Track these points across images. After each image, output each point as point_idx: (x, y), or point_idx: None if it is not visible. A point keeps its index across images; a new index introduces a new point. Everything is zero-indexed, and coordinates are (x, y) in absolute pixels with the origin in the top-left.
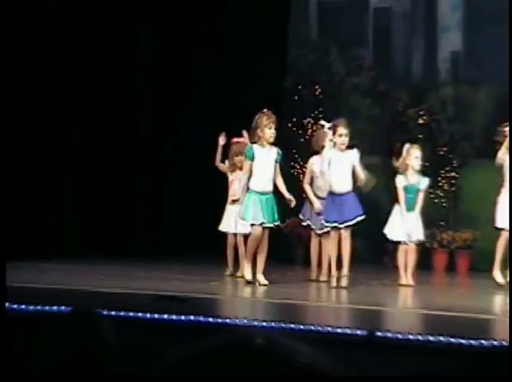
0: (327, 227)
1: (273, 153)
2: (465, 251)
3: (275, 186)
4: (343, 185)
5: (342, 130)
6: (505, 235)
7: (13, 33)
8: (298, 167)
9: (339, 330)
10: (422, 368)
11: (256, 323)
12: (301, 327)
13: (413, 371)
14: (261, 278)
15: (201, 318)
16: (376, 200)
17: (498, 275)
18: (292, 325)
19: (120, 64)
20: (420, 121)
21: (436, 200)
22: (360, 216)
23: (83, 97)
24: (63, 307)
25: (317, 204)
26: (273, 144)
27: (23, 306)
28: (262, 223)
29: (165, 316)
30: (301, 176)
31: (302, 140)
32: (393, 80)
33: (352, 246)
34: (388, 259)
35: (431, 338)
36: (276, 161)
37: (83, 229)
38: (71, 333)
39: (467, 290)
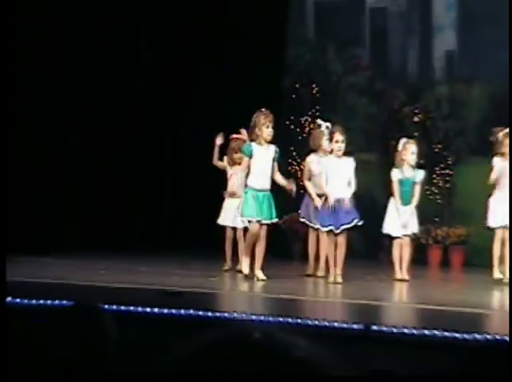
0: (322, 232)
1: (271, 151)
2: (459, 247)
3: (273, 184)
4: (339, 190)
5: (338, 136)
6: (498, 234)
7: (13, 33)
8: (296, 164)
9: (335, 324)
10: (417, 361)
11: (254, 317)
12: (299, 321)
13: (409, 364)
14: (259, 273)
15: (200, 312)
16: (372, 196)
17: (496, 272)
18: (290, 320)
19: (120, 64)
20: (416, 119)
21: (431, 197)
22: (358, 219)
23: (83, 97)
24: (64, 301)
25: (317, 200)
26: (270, 142)
27: (25, 301)
28: (259, 220)
29: (165, 310)
30: (299, 173)
31: (300, 138)
32: (389, 79)
33: (348, 242)
34: (383, 255)
35: (426, 332)
36: (274, 159)
37: (83, 225)
38: (73, 327)
39: (461, 284)
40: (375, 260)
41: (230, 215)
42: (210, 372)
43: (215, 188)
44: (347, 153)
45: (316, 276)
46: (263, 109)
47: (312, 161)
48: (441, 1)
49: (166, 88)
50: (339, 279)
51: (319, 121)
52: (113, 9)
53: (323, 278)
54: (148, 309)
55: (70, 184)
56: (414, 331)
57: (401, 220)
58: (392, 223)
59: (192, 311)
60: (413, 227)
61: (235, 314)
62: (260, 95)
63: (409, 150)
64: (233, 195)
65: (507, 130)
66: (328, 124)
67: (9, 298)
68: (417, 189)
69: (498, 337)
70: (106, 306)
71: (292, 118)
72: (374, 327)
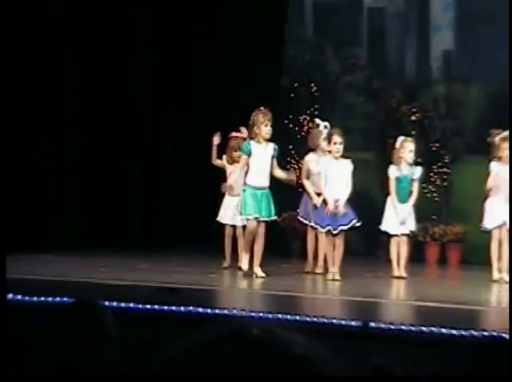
0: (321, 232)
1: (270, 149)
2: (456, 245)
3: (272, 182)
4: (337, 191)
5: (336, 138)
6: (495, 234)
7: (13, 33)
8: (294, 163)
9: (334, 321)
10: (414, 357)
11: (253, 314)
12: (297, 318)
13: (406, 360)
14: (258, 270)
15: (200, 309)
16: (370, 194)
17: (496, 273)
18: (289, 316)
19: (120, 64)
20: (413, 118)
21: (429, 195)
22: (356, 220)
23: (83, 97)
24: (65, 298)
25: (315, 199)
26: (269, 140)
27: (26, 298)
28: (257, 217)
29: (165, 307)
30: (297, 171)
31: (298, 137)
32: (386, 78)
33: (346, 240)
34: (381, 252)
35: (423, 329)
36: (273, 157)
37: (84, 223)
38: (74, 324)
39: (458, 282)
40: (373, 258)
41: (230, 213)
42: (209, 368)
43: (215, 187)
44: (345, 156)
45: (314, 273)
46: (261, 107)
47: (311, 160)
48: (439, 2)
49: (166, 88)
50: (338, 277)
51: (317, 120)
52: (113, 9)
53: (322, 276)
54: (148, 306)
55: (71, 183)
56: (412, 328)
57: (398, 218)
58: (390, 220)
59: (191, 308)
60: (411, 225)
61: (235, 311)
62: (259, 94)
63: (406, 148)
64: (231, 189)
65: (504, 133)
66: (326, 123)
67: (10, 296)
68: (415, 186)
69: (494, 333)
70: (107, 303)
71: (291, 117)
72: (372, 324)
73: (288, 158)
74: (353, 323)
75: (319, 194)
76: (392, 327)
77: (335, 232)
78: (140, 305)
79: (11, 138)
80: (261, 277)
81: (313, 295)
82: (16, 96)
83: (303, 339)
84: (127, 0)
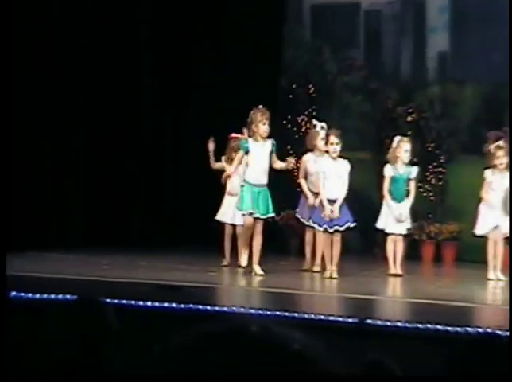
0: (318, 230)
1: (268, 146)
2: (451, 243)
3: (271, 181)
4: (334, 192)
5: (333, 139)
6: (490, 235)
7: (13, 33)
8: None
9: (331, 318)
10: (410, 353)
11: (252, 311)
12: (295, 315)
13: (402, 357)
14: (257, 268)
15: (199, 306)
16: (366, 193)
17: (491, 273)
18: (287, 313)
19: (120, 64)
20: (409, 118)
21: (424, 194)
22: (351, 222)
23: (83, 97)
24: (68, 296)
25: (311, 199)
26: (267, 137)
27: (29, 295)
28: (252, 213)
29: (165, 304)
30: (295, 171)
31: (296, 137)
32: (383, 79)
33: (343, 238)
34: (378, 250)
35: (419, 325)
36: (271, 152)
37: (87, 222)
38: (77, 320)
39: (453, 279)
40: (370, 256)
41: (230, 212)
42: (208, 364)
43: (215, 186)
44: (343, 157)
45: (312, 271)
46: (260, 106)
47: (309, 160)
48: (434, 4)
49: (166, 88)
50: (335, 274)
51: (314, 121)
52: (113, 9)
53: (320, 274)
54: (149, 303)
55: (74, 183)
56: (408, 324)
57: (395, 217)
58: (386, 219)
59: (191, 305)
60: (407, 223)
61: (234, 308)
62: (258, 94)
63: (402, 148)
64: (231, 188)
65: (499, 142)
66: (323, 124)
67: (13, 293)
68: (412, 185)
69: (489, 330)
70: (109, 300)
71: (289, 117)
72: (369, 321)
73: (287, 158)
74: (350, 320)
75: (317, 194)
76: (388, 324)
77: (330, 231)
78: (141, 303)
79: (11, 138)
80: (260, 274)
81: (311, 293)
82: (16, 96)
83: (300, 336)
84: (127, 0)
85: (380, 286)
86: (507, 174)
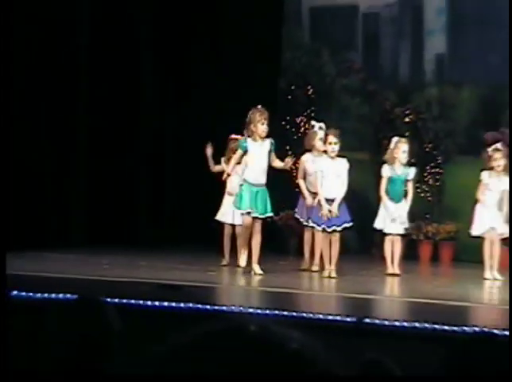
0: (317, 230)
1: (266, 145)
2: (449, 243)
3: (270, 181)
4: (333, 191)
5: (332, 138)
6: (486, 236)
7: (13, 33)
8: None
9: (329, 317)
10: (408, 352)
11: (251, 310)
12: (294, 314)
13: (400, 356)
14: (256, 267)
15: (199, 306)
16: (364, 194)
17: (487, 273)
18: (285, 313)
19: (120, 64)
20: (407, 119)
21: (422, 195)
22: (348, 222)
23: (83, 97)
24: (68, 295)
25: (309, 199)
26: (266, 137)
27: (30, 294)
28: (250, 212)
29: (165, 303)
30: (294, 171)
31: (295, 137)
32: (381, 81)
33: (342, 238)
34: (376, 250)
35: (416, 325)
36: (270, 151)
37: (88, 222)
38: (78, 320)
39: (451, 279)
40: (368, 256)
41: (229, 212)
42: (207, 363)
43: (215, 186)
44: (341, 156)
45: (310, 271)
46: (259, 106)
47: (307, 160)
48: (432, 6)
49: (166, 88)
50: (333, 274)
51: (312, 122)
52: (113, 9)
53: (318, 273)
54: (149, 303)
55: (74, 182)
56: (405, 324)
57: (392, 217)
58: (384, 219)
59: (190, 304)
60: (404, 223)
61: (233, 307)
62: (257, 95)
63: (400, 149)
64: (231, 188)
65: (497, 145)
66: (322, 125)
67: (14, 292)
68: (410, 186)
69: (486, 329)
70: (109, 299)
71: (288, 118)
72: (367, 320)
73: (285, 158)
74: (348, 319)
75: (316, 194)
76: (386, 323)
77: (329, 230)
78: (141, 302)
79: (11, 138)
80: (259, 274)
81: (309, 292)
82: (16, 96)
83: (299, 335)
84: (127, 0)
85: (378, 285)
86: (504, 176)
